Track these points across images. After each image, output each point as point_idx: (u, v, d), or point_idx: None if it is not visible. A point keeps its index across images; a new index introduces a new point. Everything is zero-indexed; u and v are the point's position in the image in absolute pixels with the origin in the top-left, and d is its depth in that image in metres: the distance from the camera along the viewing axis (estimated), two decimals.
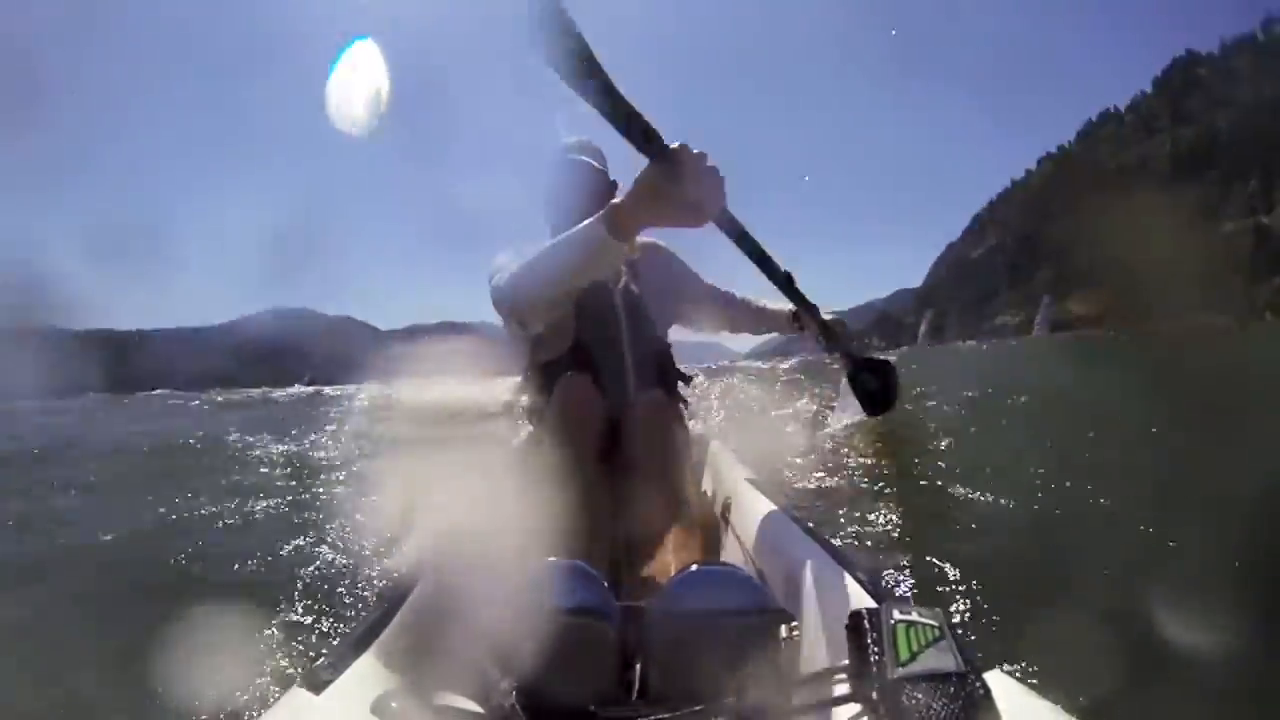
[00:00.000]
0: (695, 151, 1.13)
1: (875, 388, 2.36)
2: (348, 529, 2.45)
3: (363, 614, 1.53)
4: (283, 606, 1.89)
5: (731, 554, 1.40)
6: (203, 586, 2.10)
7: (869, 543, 2.04)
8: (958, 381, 6.83)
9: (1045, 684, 1.13)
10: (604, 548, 1.22)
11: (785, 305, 1.98)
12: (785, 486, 2.50)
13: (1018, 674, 0.76)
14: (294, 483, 3.45)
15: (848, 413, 2.77)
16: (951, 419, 4.28)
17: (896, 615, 0.73)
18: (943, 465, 2.87)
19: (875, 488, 2.55)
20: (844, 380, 2.53)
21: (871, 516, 2.22)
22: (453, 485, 1.02)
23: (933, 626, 0.71)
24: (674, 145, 1.11)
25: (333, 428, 6.00)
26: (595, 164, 1.86)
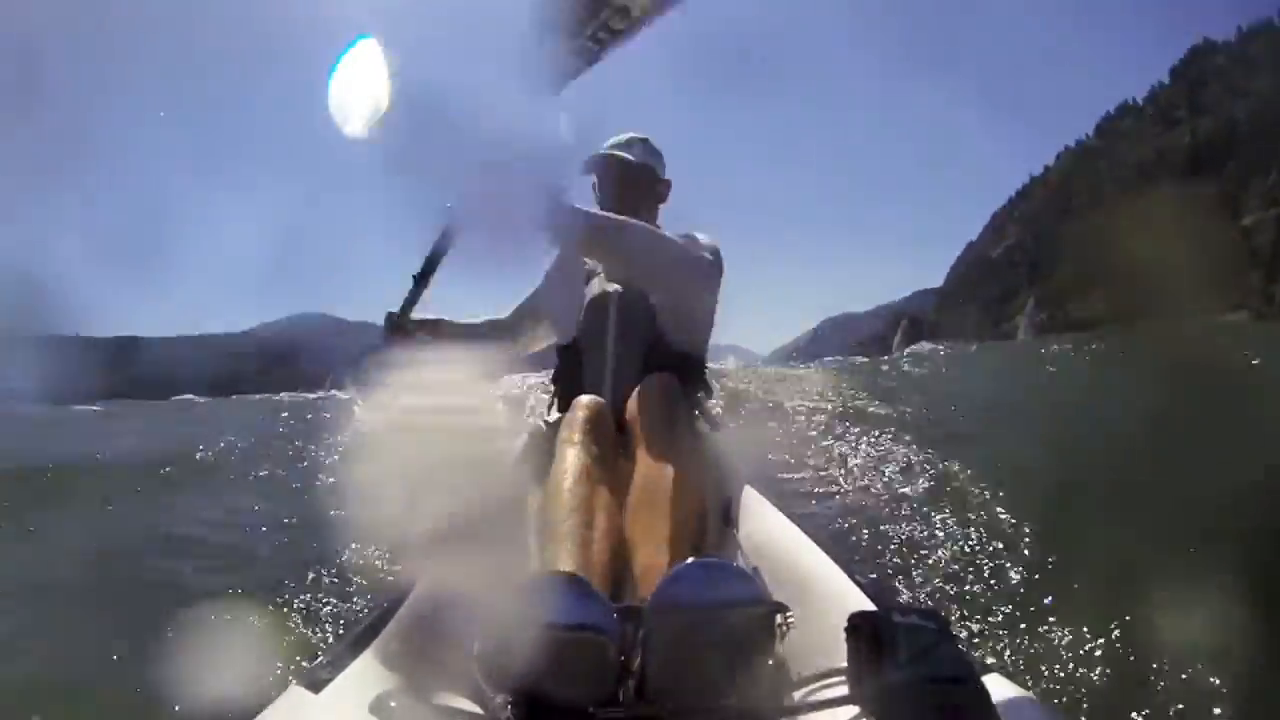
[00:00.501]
0: None
1: None
2: (347, 528, 2.46)
3: (361, 614, 1.54)
4: (282, 606, 1.90)
5: (730, 553, 1.40)
6: (202, 586, 2.12)
7: (868, 543, 2.03)
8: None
9: (1043, 687, 1.12)
10: (606, 553, 1.22)
11: None
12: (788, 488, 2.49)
13: (1016, 677, 0.75)
14: (293, 481, 3.48)
15: None
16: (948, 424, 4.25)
17: (896, 618, 0.73)
18: (941, 466, 2.86)
19: (875, 489, 2.54)
20: None
21: (871, 518, 2.21)
22: (452, 485, 1.02)
23: (932, 629, 0.71)
24: None
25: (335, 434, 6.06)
26: (629, 157, 1.88)
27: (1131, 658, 1.29)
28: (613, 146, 1.92)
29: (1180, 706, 1.19)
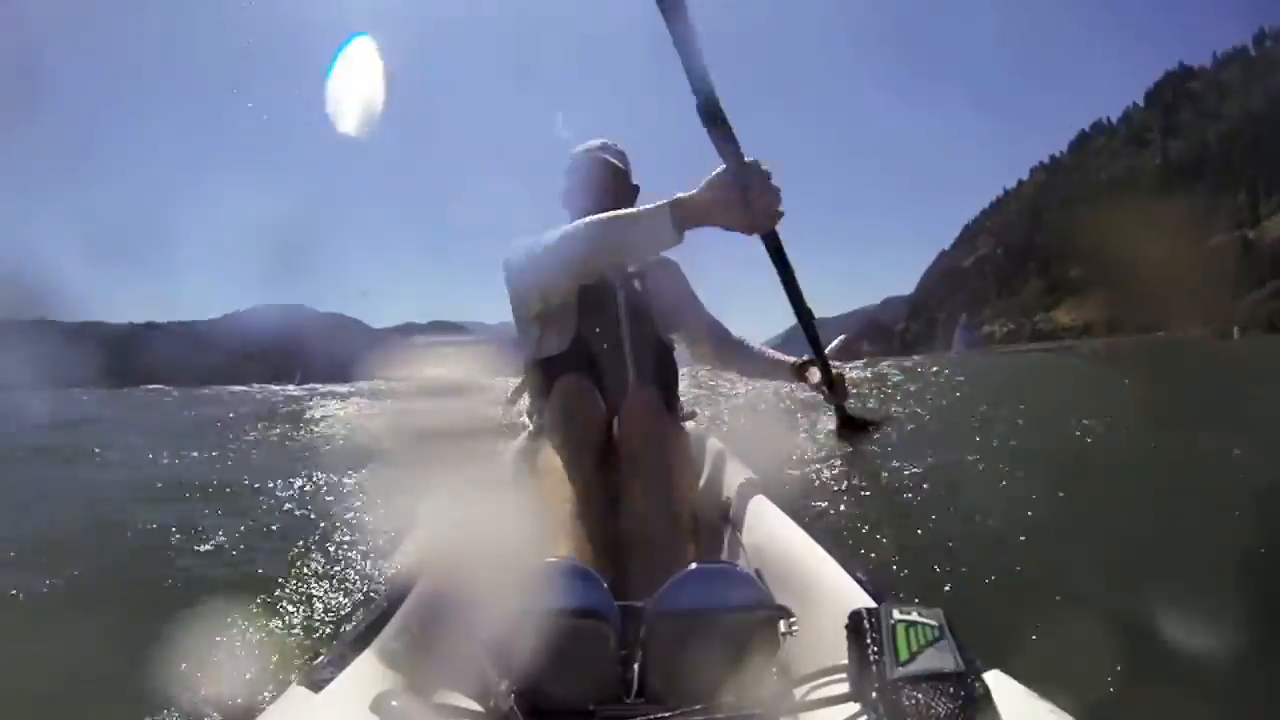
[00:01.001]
0: (765, 168, 1.27)
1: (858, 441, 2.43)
2: (347, 528, 2.44)
3: (362, 613, 1.53)
4: (282, 606, 1.88)
5: (731, 554, 1.41)
6: (200, 585, 2.09)
7: (867, 542, 2.05)
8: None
9: (1045, 684, 1.14)
10: (603, 547, 1.22)
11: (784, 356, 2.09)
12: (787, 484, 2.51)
13: (1017, 674, 0.76)
14: (293, 483, 3.43)
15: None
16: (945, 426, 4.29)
17: (896, 615, 0.73)
18: (939, 467, 2.88)
19: (874, 492, 2.56)
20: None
21: (870, 517, 2.23)
22: (452, 484, 1.02)
23: (932, 626, 0.72)
24: (749, 159, 1.24)
25: (320, 429, 6.00)
26: (618, 164, 1.93)
27: (1134, 653, 1.30)
28: (587, 151, 1.93)
29: (1182, 703, 1.21)
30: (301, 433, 5.90)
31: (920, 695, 0.64)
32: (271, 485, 3.35)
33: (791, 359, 2.08)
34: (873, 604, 0.82)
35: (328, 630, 1.74)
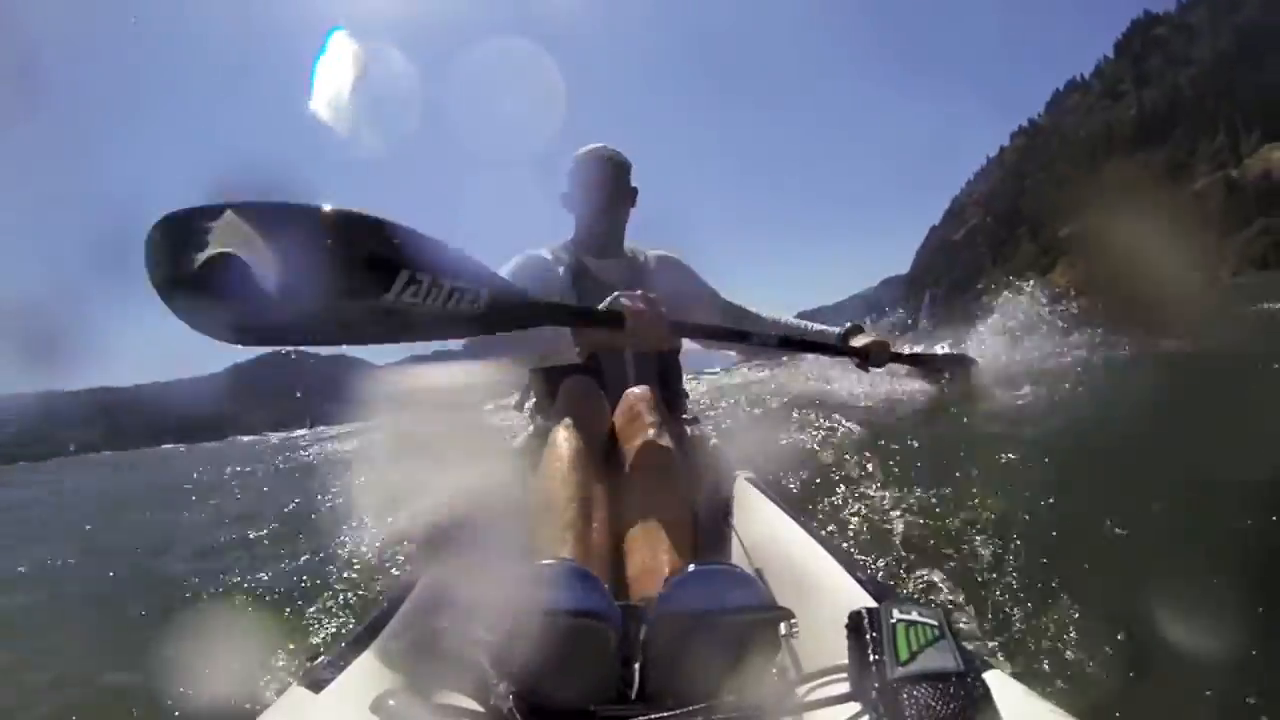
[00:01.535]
0: (637, 309, 1.49)
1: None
2: (347, 527, 2.44)
3: (362, 613, 1.53)
4: (281, 606, 1.88)
5: (731, 554, 1.41)
6: (200, 586, 2.09)
7: (866, 543, 2.04)
8: None
9: (1045, 684, 1.13)
10: (604, 547, 1.22)
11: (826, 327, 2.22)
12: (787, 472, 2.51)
13: (1017, 673, 0.75)
14: (292, 482, 3.46)
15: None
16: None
17: (896, 615, 0.74)
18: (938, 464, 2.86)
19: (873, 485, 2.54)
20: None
21: (869, 515, 2.22)
22: (452, 484, 1.02)
23: (932, 626, 0.72)
24: (619, 307, 1.49)
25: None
26: (619, 165, 2.01)
27: (1134, 653, 1.29)
28: (588, 153, 2.00)
29: (1182, 703, 1.19)
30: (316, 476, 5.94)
31: (920, 695, 0.65)
32: (280, 506, 3.38)
33: (834, 328, 2.22)
34: (873, 604, 0.83)
35: (327, 630, 1.75)
